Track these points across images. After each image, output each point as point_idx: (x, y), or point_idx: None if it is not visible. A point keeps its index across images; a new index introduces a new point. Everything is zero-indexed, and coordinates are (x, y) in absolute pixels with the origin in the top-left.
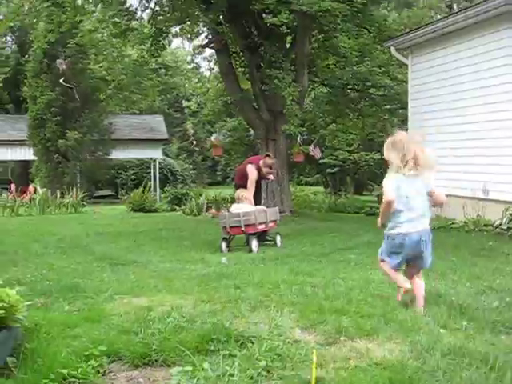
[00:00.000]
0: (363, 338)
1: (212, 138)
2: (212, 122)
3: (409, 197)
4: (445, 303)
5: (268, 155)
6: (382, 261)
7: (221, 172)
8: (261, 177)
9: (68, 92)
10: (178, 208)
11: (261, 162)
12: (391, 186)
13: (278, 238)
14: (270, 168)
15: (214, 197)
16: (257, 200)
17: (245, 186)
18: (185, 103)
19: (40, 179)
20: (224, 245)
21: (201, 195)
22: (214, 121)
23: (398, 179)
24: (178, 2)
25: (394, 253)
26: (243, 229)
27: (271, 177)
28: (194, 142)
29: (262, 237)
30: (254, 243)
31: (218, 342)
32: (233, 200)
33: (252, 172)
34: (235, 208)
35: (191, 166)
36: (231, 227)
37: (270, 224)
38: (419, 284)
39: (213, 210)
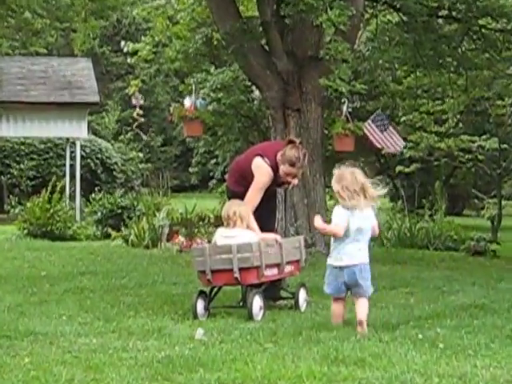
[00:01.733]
0: None
1: (186, 102)
2: (183, 73)
3: (356, 230)
4: None
5: (292, 142)
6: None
7: (197, 167)
8: (276, 182)
9: None
10: (114, 234)
11: (278, 156)
12: (343, 217)
13: (302, 295)
14: (293, 166)
15: (184, 214)
16: (266, 222)
17: (244, 197)
18: (127, 46)
19: None
20: (201, 305)
21: (159, 210)
22: (187, 72)
23: (348, 211)
24: None
25: (334, 281)
26: (237, 275)
27: (294, 181)
28: (139, 112)
29: (271, 291)
30: (258, 302)
31: None
32: (218, 221)
33: (262, 171)
34: (223, 236)
35: (142, 156)
36: (215, 272)
37: (288, 268)
38: (360, 307)
39: (181, 239)
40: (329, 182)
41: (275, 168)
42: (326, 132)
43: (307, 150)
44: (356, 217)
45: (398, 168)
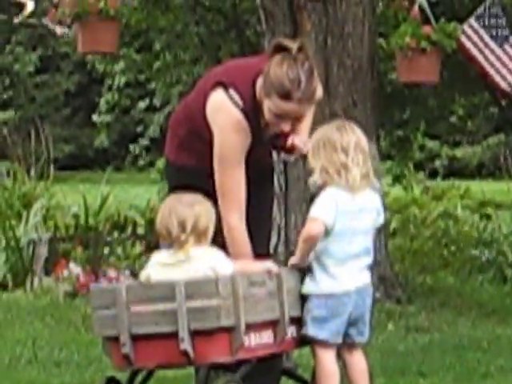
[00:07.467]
0: None
1: None
2: None
3: (353, 230)
4: None
5: (281, 48)
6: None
7: (110, 115)
8: (260, 140)
9: None
10: None
11: (259, 82)
12: (330, 207)
13: None
14: (288, 97)
15: (82, 216)
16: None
17: (202, 178)
18: None
19: None
20: None
21: (28, 207)
22: None
23: (337, 197)
24: None
25: (331, 318)
26: (186, 347)
27: (298, 140)
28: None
29: (261, 381)
30: None
31: None
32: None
33: (224, 120)
34: (162, 264)
35: None
36: (140, 340)
37: (295, 331)
38: (360, 370)
39: (74, 269)
40: (389, 149)
41: (253, 110)
42: (383, 45)
43: (342, 78)
44: (354, 207)
45: None
